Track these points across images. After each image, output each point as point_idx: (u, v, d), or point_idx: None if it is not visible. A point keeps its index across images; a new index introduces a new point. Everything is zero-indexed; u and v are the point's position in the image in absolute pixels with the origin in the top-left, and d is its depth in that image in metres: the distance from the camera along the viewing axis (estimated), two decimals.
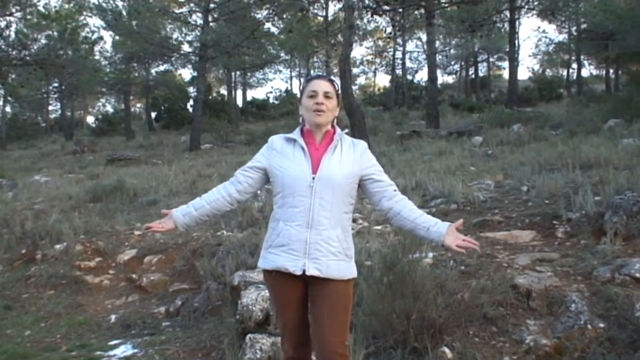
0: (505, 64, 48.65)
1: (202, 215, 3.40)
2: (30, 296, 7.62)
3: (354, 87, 47.12)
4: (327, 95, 3.19)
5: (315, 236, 3.09)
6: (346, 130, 3.32)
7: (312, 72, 53.68)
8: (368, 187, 3.26)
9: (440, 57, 50.65)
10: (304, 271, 3.08)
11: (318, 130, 3.23)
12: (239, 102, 56.23)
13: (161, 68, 45.96)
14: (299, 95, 3.39)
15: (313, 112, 3.17)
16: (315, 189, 3.09)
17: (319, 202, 3.09)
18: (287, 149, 3.22)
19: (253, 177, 3.32)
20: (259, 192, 10.18)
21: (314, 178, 3.10)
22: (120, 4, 31.04)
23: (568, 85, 47.83)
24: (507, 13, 33.24)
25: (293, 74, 62.53)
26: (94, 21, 59.70)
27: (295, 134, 3.26)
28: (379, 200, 3.27)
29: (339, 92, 3.30)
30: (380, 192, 3.25)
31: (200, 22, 31.08)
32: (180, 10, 32.64)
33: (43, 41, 31.01)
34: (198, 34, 31.60)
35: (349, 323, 3.25)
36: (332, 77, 3.40)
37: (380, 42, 55.36)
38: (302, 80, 53.09)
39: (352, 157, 3.21)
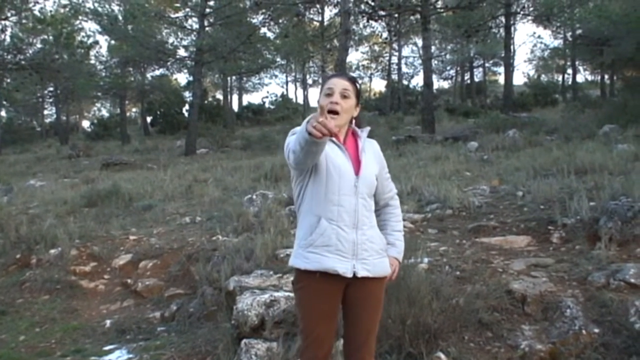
0: (501, 69, 48.56)
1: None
2: (25, 301, 7.60)
3: None
4: (344, 95, 3.07)
5: (361, 236, 3.05)
6: (369, 128, 3.26)
7: (307, 77, 53.83)
8: (379, 186, 3.24)
9: (436, 62, 50.65)
10: (354, 274, 3.02)
11: (339, 130, 3.11)
12: (235, 107, 56.27)
13: (157, 72, 45.93)
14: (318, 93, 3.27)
15: (328, 112, 2.93)
16: (359, 189, 3.05)
17: (362, 202, 3.06)
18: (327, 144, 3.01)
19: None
20: (254, 196, 10.20)
21: (357, 178, 3.05)
22: (116, 8, 31.21)
23: (563, 91, 47.88)
24: (503, 19, 33.30)
25: (289, 78, 62.55)
26: (90, 25, 59.65)
27: None
28: (378, 200, 3.29)
29: (360, 92, 3.22)
30: (382, 193, 3.29)
31: (196, 26, 31.09)
32: (176, 14, 32.68)
33: (38, 45, 30.99)
34: (194, 38, 31.66)
35: (377, 328, 3.25)
36: (354, 76, 3.28)
37: (376, 47, 55.34)
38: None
39: (374, 157, 3.21)
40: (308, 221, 3.08)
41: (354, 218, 3.03)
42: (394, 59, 51.35)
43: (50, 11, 30.27)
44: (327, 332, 3.13)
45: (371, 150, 3.22)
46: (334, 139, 3.03)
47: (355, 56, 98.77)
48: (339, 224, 3.01)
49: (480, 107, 41.23)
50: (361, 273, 3.03)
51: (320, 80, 49.42)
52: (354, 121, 3.25)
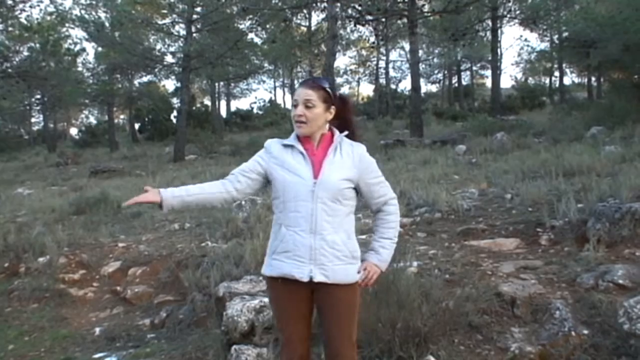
0: (488, 72, 48.95)
1: (192, 203, 3.23)
2: (13, 310, 7.55)
3: None
4: (307, 105, 3.11)
5: (320, 241, 3.05)
6: (345, 133, 3.25)
7: (295, 82, 53.83)
8: (363, 190, 3.21)
9: (423, 66, 50.91)
10: (310, 278, 3.05)
11: (310, 137, 3.19)
12: (223, 113, 56.24)
13: (144, 79, 45.89)
14: None
15: (295, 123, 3.13)
16: (317, 193, 3.05)
17: (321, 207, 3.05)
18: (285, 153, 3.17)
19: (252, 179, 3.24)
20: (243, 202, 10.18)
21: (315, 183, 3.06)
22: (102, 15, 31.04)
23: (551, 93, 48.19)
24: (490, 22, 33.52)
25: (277, 84, 62.66)
26: (77, 33, 59.14)
27: (292, 140, 3.20)
28: (369, 205, 3.31)
29: (331, 93, 3.19)
30: (371, 198, 3.25)
31: (183, 32, 31.06)
32: (163, 21, 32.59)
33: (25, 53, 30.99)
34: (181, 44, 31.58)
35: (355, 327, 3.21)
36: (320, 81, 3.25)
37: (364, 52, 55.60)
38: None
39: (350, 161, 3.15)
40: (275, 230, 3.21)
41: (311, 223, 3.05)
42: (382, 63, 51.66)
43: (37, 19, 30.26)
44: (298, 335, 3.21)
45: (350, 155, 3.17)
46: (297, 145, 3.17)
47: (342, 61, 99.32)
48: (295, 230, 3.08)
49: (468, 111, 41.44)
50: (318, 278, 3.05)
51: None
52: (327, 125, 3.25)
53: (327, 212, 3.06)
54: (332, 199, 3.07)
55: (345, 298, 3.12)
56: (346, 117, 3.31)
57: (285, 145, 3.20)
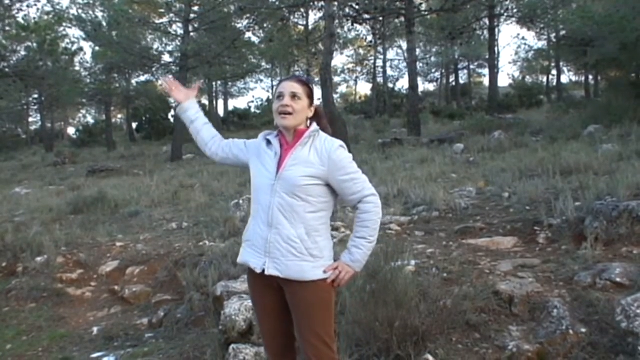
0: (486, 71, 48.83)
1: (191, 124, 3.63)
2: (11, 309, 7.54)
3: (335, 96, 47.23)
4: (294, 96, 3.14)
5: (275, 235, 3.07)
6: (315, 128, 3.21)
7: None
8: (335, 187, 3.14)
9: (420, 64, 50.95)
10: (263, 270, 3.09)
11: (287, 131, 3.19)
12: (221, 112, 56.28)
13: (142, 78, 45.81)
14: None
15: (279, 114, 3.14)
16: (276, 188, 3.07)
17: (279, 202, 3.06)
18: (263, 147, 3.26)
19: (233, 155, 3.46)
20: (240, 201, 10.18)
21: (276, 177, 3.08)
22: (100, 14, 30.94)
23: (548, 92, 48.17)
24: (487, 21, 33.49)
25: (274, 83, 62.46)
26: (74, 32, 58.71)
27: (272, 135, 3.27)
28: (345, 202, 3.26)
29: (313, 91, 3.25)
30: (344, 196, 3.17)
31: (180, 32, 31.04)
32: (161, 20, 32.55)
33: (22, 52, 30.93)
34: (179, 44, 31.56)
35: (329, 328, 3.15)
36: (304, 77, 3.34)
37: (361, 51, 55.48)
38: None
39: (318, 158, 3.10)
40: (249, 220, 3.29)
41: (268, 216, 3.09)
42: (379, 62, 51.66)
43: (34, 18, 30.25)
44: (269, 331, 3.29)
45: (319, 151, 3.11)
46: (273, 139, 3.25)
47: (340, 60, 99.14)
48: (256, 221, 3.19)
49: (465, 109, 41.42)
50: (270, 271, 3.09)
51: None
52: (309, 122, 3.26)
53: (284, 206, 3.06)
54: (290, 194, 3.05)
55: (308, 297, 3.09)
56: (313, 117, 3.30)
57: (267, 141, 3.27)
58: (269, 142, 3.25)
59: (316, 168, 3.08)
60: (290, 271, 3.06)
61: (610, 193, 7.13)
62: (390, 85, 55.22)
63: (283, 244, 3.06)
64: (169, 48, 35.25)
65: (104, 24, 30.73)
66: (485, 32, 36.09)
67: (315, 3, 30.70)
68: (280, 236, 3.06)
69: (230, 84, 55.21)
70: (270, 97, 60.07)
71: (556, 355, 4.15)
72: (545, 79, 54.39)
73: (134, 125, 49.09)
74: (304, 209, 3.07)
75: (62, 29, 33.94)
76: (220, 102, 59.77)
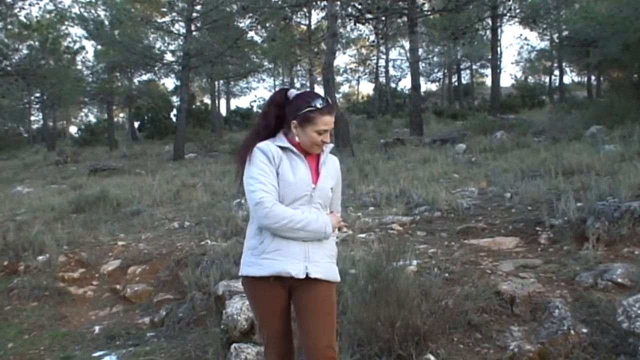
0: (488, 71, 48.85)
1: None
2: (13, 308, 7.55)
3: (337, 96, 47.32)
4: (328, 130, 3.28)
5: (314, 241, 3.19)
6: (332, 145, 3.40)
7: (295, 80, 53.76)
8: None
9: (423, 64, 50.83)
10: (307, 275, 3.13)
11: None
12: (223, 111, 56.28)
13: (144, 77, 45.69)
14: (297, 110, 3.24)
15: (315, 146, 3.24)
16: (314, 197, 3.21)
17: (316, 210, 3.22)
18: (283, 155, 3.21)
19: (276, 184, 3.16)
20: (242, 201, 10.18)
21: (314, 187, 3.21)
22: (102, 13, 30.96)
23: (550, 92, 48.10)
24: (489, 21, 33.47)
25: (276, 82, 62.40)
26: (76, 31, 59.19)
27: (286, 143, 3.23)
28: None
29: None
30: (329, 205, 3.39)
31: (183, 31, 30.98)
32: (163, 19, 32.56)
33: (24, 51, 30.94)
34: (181, 43, 31.54)
35: (335, 328, 3.28)
36: (333, 103, 3.44)
37: (364, 50, 55.48)
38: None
39: (332, 171, 3.38)
40: (259, 231, 3.22)
41: None
42: (382, 62, 51.54)
43: (36, 17, 30.25)
44: (278, 333, 3.33)
45: (332, 165, 3.40)
46: (293, 148, 3.23)
47: (342, 59, 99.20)
48: None
49: (467, 109, 41.39)
50: (315, 274, 3.17)
51: (307, 84, 49.41)
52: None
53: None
54: (324, 203, 3.29)
55: (323, 295, 3.22)
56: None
57: (282, 148, 3.23)
58: (286, 150, 3.22)
59: (334, 180, 3.38)
60: (330, 273, 3.25)
61: (612, 194, 7.13)
62: (393, 85, 55.27)
63: (321, 249, 3.23)
64: (171, 47, 35.30)
65: (106, 22, 30.75)
66: (488, 32, 36.12)
67: (318, 2, 30.74)
68: (319, 241, 3.22)
69: (232, 83, 55.13)
70: None
71: (557, 356, 4.15)
72: (547, 80, 54.28)
73: (136, 124, 49.08)
74: None
75: (64, 27, 33.93)
76: (223, 102, 59.79)
